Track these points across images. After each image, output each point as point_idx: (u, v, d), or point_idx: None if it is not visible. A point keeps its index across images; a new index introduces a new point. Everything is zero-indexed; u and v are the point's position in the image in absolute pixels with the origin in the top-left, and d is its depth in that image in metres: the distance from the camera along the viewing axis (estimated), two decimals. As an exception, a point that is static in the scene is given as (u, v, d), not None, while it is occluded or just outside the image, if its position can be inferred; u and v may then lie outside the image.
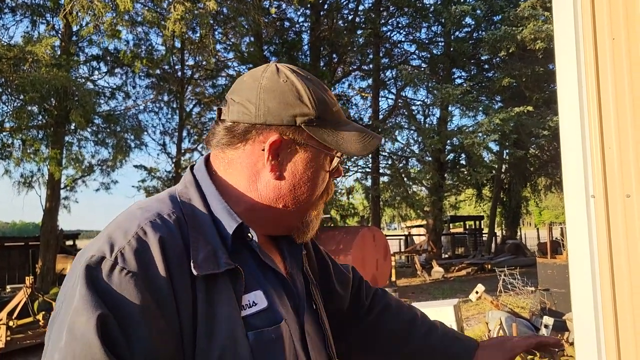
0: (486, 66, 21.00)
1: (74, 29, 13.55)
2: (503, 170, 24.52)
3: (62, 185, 14.90)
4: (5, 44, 11.49)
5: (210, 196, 0.95)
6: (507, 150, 20.85)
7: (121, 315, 0.75)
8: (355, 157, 21.08)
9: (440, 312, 5.74)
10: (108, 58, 14.86)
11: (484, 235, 26.84)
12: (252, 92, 0.94)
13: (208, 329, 0.82)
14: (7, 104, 13.31)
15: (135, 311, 0.76)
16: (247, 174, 0.96)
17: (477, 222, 29.35)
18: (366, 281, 1.36)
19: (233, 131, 0.95)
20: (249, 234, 0.94)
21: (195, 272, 0.82)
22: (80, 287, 0.77)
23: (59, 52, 12.99)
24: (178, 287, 0.81)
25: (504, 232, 28.40)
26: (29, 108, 11.55)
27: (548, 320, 6.39)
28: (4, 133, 13.00)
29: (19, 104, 11.98)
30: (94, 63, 15.22)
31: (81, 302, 0.75)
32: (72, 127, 13.15)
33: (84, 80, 13.82)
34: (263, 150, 0.94)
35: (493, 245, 25.18)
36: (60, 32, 14.59)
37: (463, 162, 21.44)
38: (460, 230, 31.29)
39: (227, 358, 0.82)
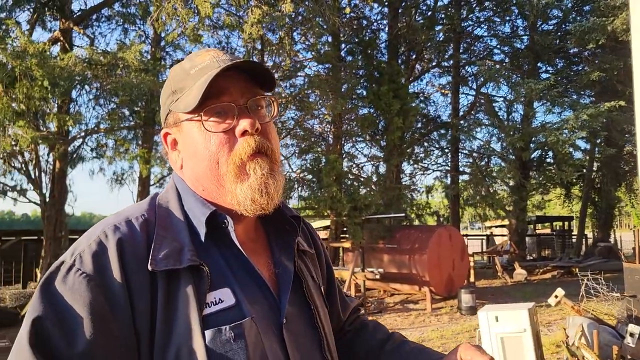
0: (575, 59, 19.89)
1: (161, 35, 14.34)
2: (595, 168, 23.11)
3: (151, 182, 15.83)
4: (101, 51, 12.37)
5: (185, 193, 0.98)
6: (598, 148, 19.70)
7: (65, 316, 0.78)
8: (435, 155, 20.78)
9: (513, 315, 5.51)
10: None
11: (573, 237, 25.48)
12: None
13: (166, 326, 0.83)
14: (103, 106, 14.39)
15: (83, 313, 0.78)
16: (177, 171, 1.03)
17: (567, 223, 27.91)
18: (344, 294, 1.31)
19: None
20: (225, 221, 0.93)
21: (150, 268, 0.83)
22: (36, 291, 0.82)
23: (148, 57, 13.83)
24: (135, 288, 0.82)
25: (595, 234, 26.79)
26: (121, 110, 12.42)
27: (634, 328, 6.00)
28: (100, 133, 14.02)
29: (112, 107, 12.91)
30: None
31: (31, 306, 0.80)
32: (158, 128, 13.94)
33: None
34: None
35: (583, 247, 23.84)
36: (150, 38, 15.52)
37: (550, 160, 20.48)
38: (548, 231, 29.92)
39: (183, 356, 0.81)
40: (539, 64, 19.88)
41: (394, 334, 1.24)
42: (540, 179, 20.89)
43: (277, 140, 1.01)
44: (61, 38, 13.46)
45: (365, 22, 17.90)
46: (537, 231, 29.93)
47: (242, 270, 0.94)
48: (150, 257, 0.84)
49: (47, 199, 13.74)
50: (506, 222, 22.28)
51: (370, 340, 1.23)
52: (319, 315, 1.03)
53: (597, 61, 16.79)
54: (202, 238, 0.91)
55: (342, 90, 14.44)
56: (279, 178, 0.97)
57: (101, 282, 0.81)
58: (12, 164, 14.46)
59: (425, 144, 20.03)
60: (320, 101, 15.16)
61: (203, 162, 0.93)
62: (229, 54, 0.99)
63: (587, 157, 22.33)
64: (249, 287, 0.93)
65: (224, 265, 0.92)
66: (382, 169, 16.90)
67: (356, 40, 16.21)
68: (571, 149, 17.12)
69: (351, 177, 15.94)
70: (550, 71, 20.37)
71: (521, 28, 20.53)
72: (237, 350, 0.84)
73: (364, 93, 15.37)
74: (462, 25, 19.27)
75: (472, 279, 14.83)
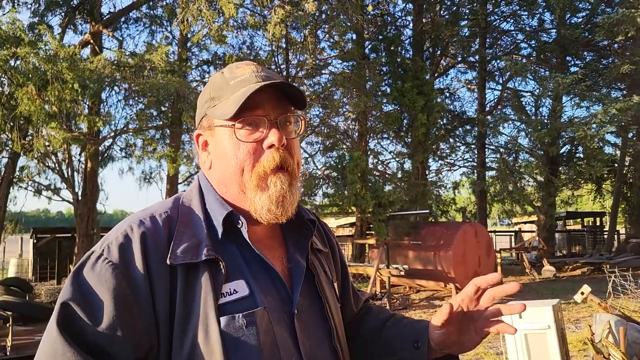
0: (605, 52, 19.44)
1: (187, 36, 14.58)
2: (627, 163, 22.56)
3: (179, 180, 16.12)
4: (129, 53, 12.66)
5: (207, 193, 1.06)
6: (630, 142, 19.27)
7: (90, 299, 0.88)
8: (462, 151, 20.61)
9: (537, 312, 5.47)
10: (217, 62, 15.83)
11: (604, 233, 24.95)
12: None
13: (184, 314, 0.91)
14: (131, 107, 14.72)
15: (108, 296, 0.88)
16: (205, 170, 1.10)
17: (598, 219, 27.35)
18: (356, 290, 1.37)
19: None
20: (240, 221, 1.01)
21: (168, 262, 0.92)
22: (68, 277, 0.92)
23: (174, 59, 14.08)
24: (155, 277, 0.91)
25: (627, 229, 26.17)
26: (149, 111, 12.72)
27: (662, 326, 5.89)
28: (129, 133, 14.34)
29: (140, 107, 13.22)
30: (205, 67, 16.30)
31: (62, 291, 0.90)
32: (185, 127, 14.19)
33: (196, 84, 14.85)
34: None
35: (615, 243, 23.33)
36: (176, 39, 15.81)
37: (580, 154, 20.11)
38: (579, 227, 29.37)
39: (200, 340, 0.90)
40: (567, 58, 19.51)
41: (396, 314, 1.30)
42: (570, 174, 20.53)
43: (300, 155, 1.10)
44: (91, 41, 13.81)
45: (389, 18, 17.85)
46: (568, 227, 29.40)
47: (256, 264, 1.01)
48: (169, 251, 0.93)
49: (80, 198, 14.13)
50: (535, 218, 21.96)
51: (374, 320, 1.29)
52: (329, 308, 1.09)
53: (627, 53, 16.39)
54: (219, 235, 1.00)
55: (367, 87, 14.45)
56: (295, 192, 1.04)
57: (125, 270, 0.90)
58: (46, 164, 14.92)
59: (451, 140, 19.86)
60: (345, 99, 15.20)
61: (229, 167, 1.01)
62: (267, 69, 1.08)
63: (619, 152, 21.83)
64: (262, 279, 1.00)
65: (239, 259, 1.00)
66: (408, 165, 16.85)
67: (380, 37, 16.17)
68: (601, 144, 16.71)
69: (376, 174, 15.94)
70: (579, 65, 19.97)
71: (548, 21, 20.20)
72: (249, 337, 0.92)
73: (388, 90, 15.34)
74: (488, 19, 19.03)
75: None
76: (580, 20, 19.33)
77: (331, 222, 25.40)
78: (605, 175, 20.91)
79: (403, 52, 17.06)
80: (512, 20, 20.28)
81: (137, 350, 0.89)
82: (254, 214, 1.02)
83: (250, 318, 0.93)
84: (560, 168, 19.93)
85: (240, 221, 1.00)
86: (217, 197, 1.04)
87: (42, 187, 15.66)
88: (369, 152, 16.49)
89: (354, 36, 15.67)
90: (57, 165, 14.66)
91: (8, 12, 11.49)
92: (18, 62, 11.01)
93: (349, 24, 13.87)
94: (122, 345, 0.88)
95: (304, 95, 1.04)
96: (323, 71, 15.55)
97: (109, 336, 0.87)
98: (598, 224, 27.35)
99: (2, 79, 11.00)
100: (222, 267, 0.95)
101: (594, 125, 14.69)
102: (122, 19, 16.06)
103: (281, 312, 1.00)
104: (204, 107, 1.06)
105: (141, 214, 1.00)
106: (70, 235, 18.05)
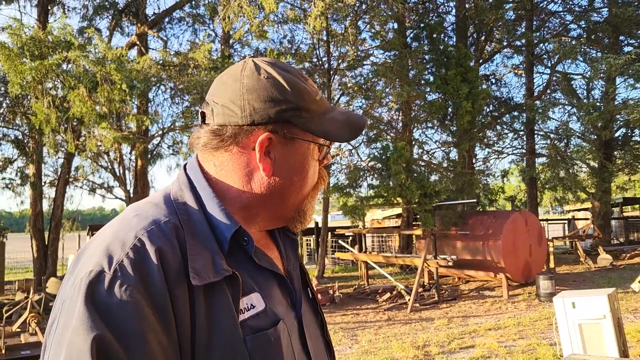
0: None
1: (229, 33, 14.79)
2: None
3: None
4: (173, 52, 12.96)
5: (206, 198, 0.94)
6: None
7: (122, 333, 0.76)
8: (510, 138, 20.16)
9: (591, 301, 5.29)
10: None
11: (665, 219, 23.92)
12: (235, 93, 0.93)
13: (206, 337, 0.83)
14: (178, 105, 15.07)
15: (137, 327, 0.77)
16: (241, 174, 0.95)
17: (657, 205, 26.26)
18: None
19: (221, 134, 0.94)
20: (245, 239, 0.93)
21: (194, 283, 0.83)
22: (80, 304, 0.77)
23: (217, 56, 14.31)
24: (176, 298, 0.82)
25: (690, 215, 24.96)
26: (193, 108, 13.01)
27: None
28: (176, 131, 14.69)
29: (186, 105, 13.54)
30: (247, 62, 16.48)
31: (79, 322, 0.75)
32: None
33: (239, 79, 15.00)
34: (254, 150, 0.93)
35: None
36: (219, 37, 16.06)
37: (637, 138, 19.29)
38: (637, 213, 28.30)
39: None
40: (620, 37, 18.70)
41: None
42: (626, 158, 19.74)
43: None
44: (137, 42, 14.22)
45: (430, 5, 17.57)
46: (625, 214, 28.34)
47: (265, 271, 0.97)
48: (190, 270, 0.84)
49: (132, 195, 14.60)
50: (589, 205, 21.27)
51: None
52: (318, 301, 1.09)
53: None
54: (226, 248, 0.91)
55: (409, 76, 14.29)
56: None
57: (147, 294, 0.79)
58: (99, 163, 15.50)
59: (498, 127, 19.41)
60: (388, 89, 15.09)
61: (301, 185, 0.99)
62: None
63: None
64: (272, 288, 0.97)
65: (251, 269, 0.94)
66: (454, 154, 16.59)
67: (422, 25, 15.94)
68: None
69: (422, 164, 15.77)
70: (633, 44, 19.10)
71: (599, 0, 19.40)
72: (275, 354, 0.89)
73: (431, 79, 15.13)
74: (534, 1, 18.45)
75: (551, 264, 14.31)
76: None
77: (377, 214, 25.31)
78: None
79: (446, 39, 16.79)
80: (560, 1, 19.62)
81: None
82: (291, 223, 1.03)
83: (275, 334, 0.89)
84: (615, 152, 19.22)
85: (246, 239, 0.93)
86: (222, 207, 0.93)
87: (96, 185, 16.29)
88: (413, 142, 16.32)
89: (395, 25, 15.49)
90: (109, 164, 15.22)
91: (59, 18, 11.95)
92: (69, 66, 11.45)
93: (389, 13, 13.73)
94: None
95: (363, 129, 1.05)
96: (365, 62, 15.47)
97: None
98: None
99: (55, 82, 11.46)
100: (239, 281, 0.88)
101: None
102: (166, 19, 16.46)
103: (292, 319, 0.97)
104: (286, 114, 0.93)
105: (140, 220, 0.88)
106: (124, 232, 18.60)
